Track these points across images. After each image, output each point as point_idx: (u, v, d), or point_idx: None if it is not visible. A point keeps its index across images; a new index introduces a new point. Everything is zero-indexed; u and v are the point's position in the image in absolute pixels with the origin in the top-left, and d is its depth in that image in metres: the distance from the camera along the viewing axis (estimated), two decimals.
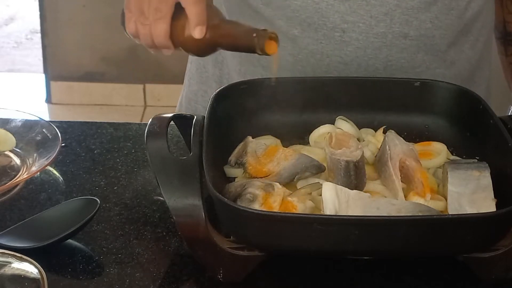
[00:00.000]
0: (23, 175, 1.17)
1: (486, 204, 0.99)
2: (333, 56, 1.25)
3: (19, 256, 0.88)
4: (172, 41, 1.09)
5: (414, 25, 1.24)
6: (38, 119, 1.26)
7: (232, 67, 1.34)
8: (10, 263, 0.88)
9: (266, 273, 0.99)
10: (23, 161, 1.21)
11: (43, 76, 3.60)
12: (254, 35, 1.04)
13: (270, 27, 1.12)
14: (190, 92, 1.42)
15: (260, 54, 1.05)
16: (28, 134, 1.24)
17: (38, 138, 1.23)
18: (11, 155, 1.23)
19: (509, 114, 1.37)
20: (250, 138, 1.12)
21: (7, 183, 1.15)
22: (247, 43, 1.05)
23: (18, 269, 0.88)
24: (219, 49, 1.10)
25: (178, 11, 1.07)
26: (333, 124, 1.16)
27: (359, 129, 1.16)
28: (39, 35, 3.66)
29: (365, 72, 1.25)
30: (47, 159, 1.17)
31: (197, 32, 1.06)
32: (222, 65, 1.36)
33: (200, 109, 1.37)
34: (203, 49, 1.09)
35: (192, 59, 1.44)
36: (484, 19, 1.31)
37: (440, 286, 1.00)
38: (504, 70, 1.45)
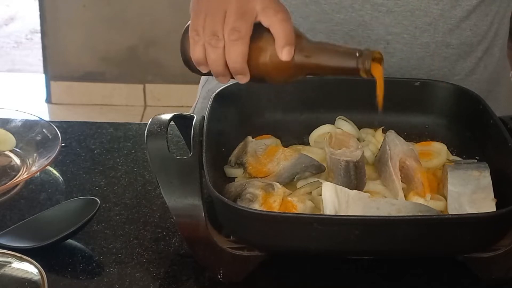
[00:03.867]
0: (23, 175, 1.17)
1: (486, 204, 0.99)
2: None
3: (19, 256, 0.88)
4: (249, 66, 0.98)
5: (456, 34, 1.25)
6: (38, 119, 1.26)
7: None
8: (10, 263, 0.88)
9: (266, 273, 0.99)
10: (23, 161, 1.21)
11: (43, 76, 3.60)
12: (358, 54, 0.94)
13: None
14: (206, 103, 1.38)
15: (364, 78, 0.95)
16: (28, 134, 1.24)
17: (38, 138, 1.23)
18: (11, 155, 1.23)
19: None
20: (250, 138, 1.12)
21: (7, 183, 1.15)
22: (348, 64, 0.94)
23: (18, 269, 0.88)
24: (303, 75, 0.99)
25: (256, 32, 0.97)
26: (333, 124, 1.16)
27: (359, 129, 1.16)
28: (39, 35, 3.65)
29: None
30: (47, 159, 1.17)
31: (285, 53, 0.96)
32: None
33: None
34: (287, 74, 0.98)
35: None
36: (507, 20, 1.32)
37: (440, 286, 1.00)
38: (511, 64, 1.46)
